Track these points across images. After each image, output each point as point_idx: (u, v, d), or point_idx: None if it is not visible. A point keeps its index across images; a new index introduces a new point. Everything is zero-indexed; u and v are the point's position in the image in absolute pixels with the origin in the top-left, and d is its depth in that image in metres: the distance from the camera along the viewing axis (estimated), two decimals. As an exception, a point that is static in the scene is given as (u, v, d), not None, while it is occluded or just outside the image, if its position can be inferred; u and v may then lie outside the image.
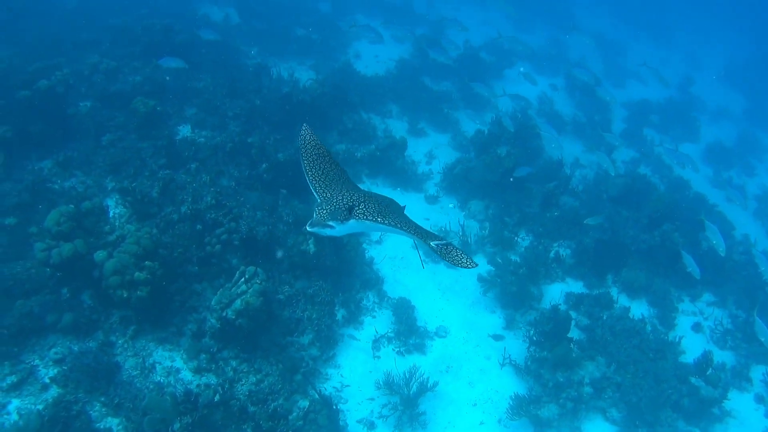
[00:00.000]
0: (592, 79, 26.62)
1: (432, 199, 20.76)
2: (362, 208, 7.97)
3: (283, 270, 15.24)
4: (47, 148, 17.48)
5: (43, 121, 17.63)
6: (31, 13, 24.84)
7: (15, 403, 11.75)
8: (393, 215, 8.30)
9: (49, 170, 16.95)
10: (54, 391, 12.02)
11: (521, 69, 28.22)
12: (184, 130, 19.69)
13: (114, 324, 13.21)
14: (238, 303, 12.70)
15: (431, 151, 23.20)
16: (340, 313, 15.32)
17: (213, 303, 13.00)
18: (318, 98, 21.52)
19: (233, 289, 12.97)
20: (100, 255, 12.80)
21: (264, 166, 17.28)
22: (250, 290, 12.81)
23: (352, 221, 7.86)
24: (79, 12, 26.88)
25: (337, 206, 7.91)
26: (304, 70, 26.73)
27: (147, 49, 23.32)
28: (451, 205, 20.81)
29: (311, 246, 15.18)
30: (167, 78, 21.43)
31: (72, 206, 13.53)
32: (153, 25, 23.87)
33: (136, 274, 12.47)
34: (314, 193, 8.75)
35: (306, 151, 9.45)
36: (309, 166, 9.20)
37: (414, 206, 19.69)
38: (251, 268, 13.21)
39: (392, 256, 17.85)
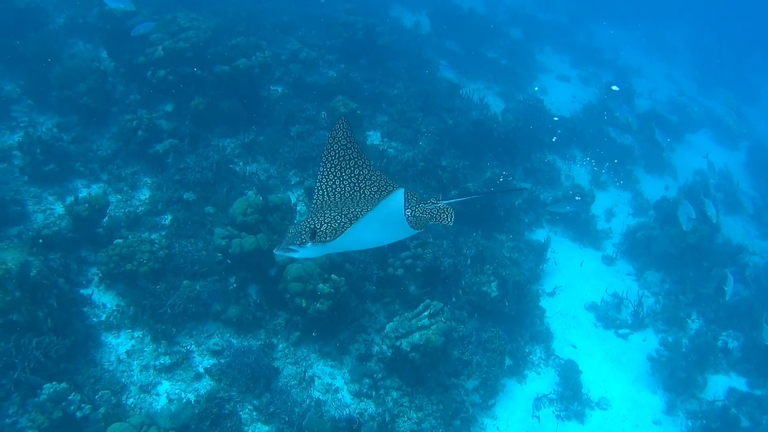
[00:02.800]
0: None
1: (609, 260, 19.87)
2: (324, 229, 7.19)
3: (458, 306, 14.59)
4: (233, 127, 17.23)
5: (235, 99, 17.42)
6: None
7: (165, 386, 11.47)
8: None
9: (231, 150, 16.70)
10: (206, 383, 11.69)
11: (706, 156, 26.86)
12: (374, 137, 19.13)
13: (278, 326, 12.83)
14: (416, 336, 12.02)
15: (612, 209, 22.33)
16: (506, 362, 14.53)
17: (388, 330, 12.38)
18: (511, 131, 20.86)
19: (413, 320, 12.32)
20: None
21: (453, 192, 16.61)
22: (433, 327, 12.12)
23: (309, 245, 7.14)
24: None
25: (300, 229, 7.27)
26: (492, 96, 25.97)
27: (345, 45, 22.95)
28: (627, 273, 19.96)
29: (494, 289, 14.55)
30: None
31: (260, 198, 13.17)
32: (355, 22, 23.40)
33: (320, 285, 11.98)
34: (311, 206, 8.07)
35: (332, 150, 8.37)
36: (325, 173, 8.27)
37: (590, 265, 19.35)
38: (438, 304, 12.55)
39: (564, 312, 17.15)
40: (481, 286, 14.58)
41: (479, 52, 28.60)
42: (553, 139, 23.13)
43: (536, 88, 29.36)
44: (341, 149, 8.36)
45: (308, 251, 7.31)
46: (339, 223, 7.23)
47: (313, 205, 7.96)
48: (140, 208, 14.61)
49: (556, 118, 25.30)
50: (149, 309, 12.12)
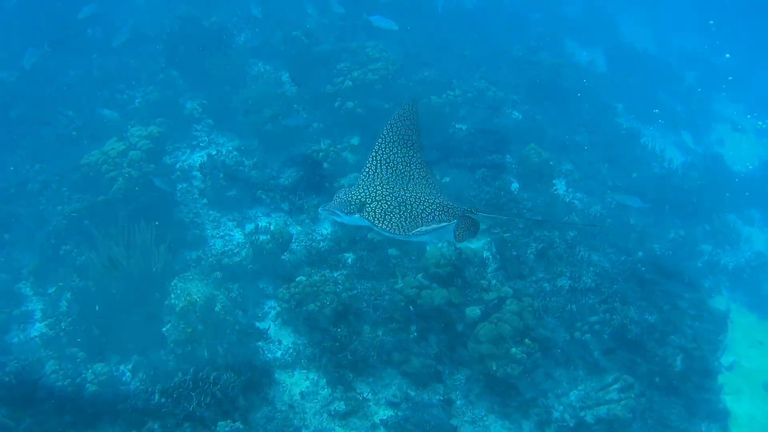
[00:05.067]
0: None
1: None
2: (374, 207, 7.78)
3: (638, 375, 14.02)
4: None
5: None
6: (412, 13, 24.57)
7: (339, 433, 11.13)
8: (406, 220, 7.80)
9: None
10: (381, 436, 11.33)
11: None
12: (559, 186, 18.67)
13: (458, 381, 12.46)
14: (603, 410, 11.74)
15: (795, 278, 21.36)
16: (680, 440, 14.00)
17: (572, 398, 12.19)
18: (696, 190, 20.34)
19: (601, 393, 12.00)
20: (473, 312, 12.29)
21: (640, 255, 16.12)
22: (621, 402, 11.85)
23: (356, 216, 7.77)
24: (455, 22, 26.59)
25: (351, 197, 7.89)
26: (668, 144, 25.26)
27: (530, 86, 22.73)
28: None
29: (678, 363, 13.97)
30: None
31: (453, 249, 12.86)
32: (541, 61, 23.14)
33: (513, 349, 11.62)
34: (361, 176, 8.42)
35: (395, 125, 8.61)
36: (383, 145, 8.52)
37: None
38: (628, 378, 12.38)
39: (741, 390, 16.45)
40: (665, 357, 14.06)
41: (655, 98, 27.86)
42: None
43: (714, 141, 28.56)
44: (406, 129, 8.65)
45: (352, 220, 7.85)
46: (389, 205, 7.77)
47: (364, 173, 8.32)
48: (322, 244, 14.50)
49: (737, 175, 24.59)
50: (328, 352, 11.96)
